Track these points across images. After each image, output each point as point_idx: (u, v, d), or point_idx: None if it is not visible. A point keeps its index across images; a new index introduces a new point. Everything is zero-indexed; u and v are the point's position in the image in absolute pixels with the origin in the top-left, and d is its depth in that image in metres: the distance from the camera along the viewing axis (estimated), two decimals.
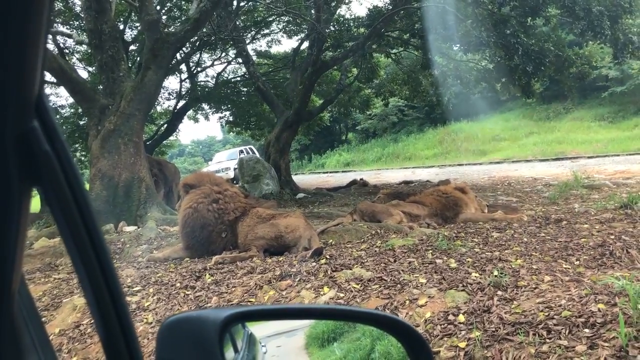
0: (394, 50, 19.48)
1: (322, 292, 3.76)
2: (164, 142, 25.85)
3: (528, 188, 15.07)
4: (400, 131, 45.49)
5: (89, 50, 18.21)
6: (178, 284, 4.89)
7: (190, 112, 25.96)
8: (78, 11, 18.72)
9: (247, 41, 21.25)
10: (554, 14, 13.08)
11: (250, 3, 18.39)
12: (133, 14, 17.84)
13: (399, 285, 3.63)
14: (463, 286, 3.39)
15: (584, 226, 5.58)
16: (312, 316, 1.50)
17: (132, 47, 19.85)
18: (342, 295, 3.64)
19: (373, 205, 7.80)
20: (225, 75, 25.35)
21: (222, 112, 26.13)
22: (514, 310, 2.84)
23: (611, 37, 13.06)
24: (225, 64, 24.90)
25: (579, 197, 11.15)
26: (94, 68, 18.47)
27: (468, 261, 4.09)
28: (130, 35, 20.16)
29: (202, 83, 25.33)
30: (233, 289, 4.46)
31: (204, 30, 14.11)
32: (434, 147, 40.13)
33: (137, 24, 18.97)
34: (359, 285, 3.79)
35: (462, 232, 5.84)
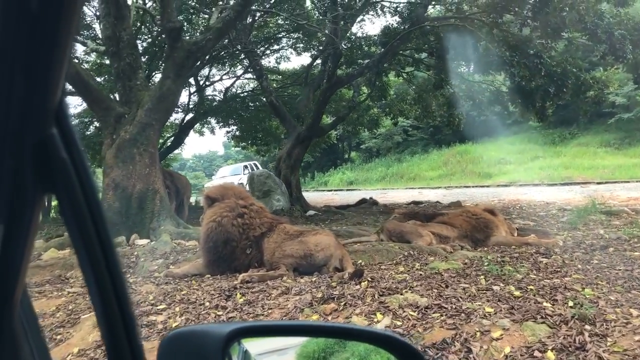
0: (407, 69, 19.30)
1: (375, 319, 3.44)
2: (168, 155, 25.58)
3: (542, 212, 14.72)
4: (404, 151, 45.34)
5: (98, 60, 18.09)
6: (207, 303, 4.56)
7: (196, 125, 25.74)
8: (88, 21, 18.65)
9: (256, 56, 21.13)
10: (575, 36, 12.90)
11: (261, 18, 18.28)
12: (143, 26, 17.78)
13: (462, 314, 3.32)
14: (542, 318, 3.07)
15: (635, 254, 5.28)
16: (315, 333, 1.54)
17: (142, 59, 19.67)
18: (398, 323, 3.33)
19: (401, 225, 7.48)
20: (233, 89, 25.20)
21: (229, 127, 25.87)
22: (613, 349, 2.53)
23: (632, 61, 12.88)
24: (234, 78, 24.76)
25: (598, 223, 10.87)
26: (103, 78, 18.35)
27: (530, 289, 3.77)
28: (140, 46, 20.02)
29: (209, 97, 25.16)
30: (269, 310, 4.13)
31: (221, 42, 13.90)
32: (438, 169, 39.92)
33: (147, 36, 18.88)
34: (416, 312, 3.47)
35: (507, 257, 5.52)
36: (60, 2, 0.54)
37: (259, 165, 37.65)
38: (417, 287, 4.10)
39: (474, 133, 42.11)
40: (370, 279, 4.52)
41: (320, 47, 19.13)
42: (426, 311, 3.48)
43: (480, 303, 3.51)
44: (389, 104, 22.41)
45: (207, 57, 19.21)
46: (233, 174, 32.47)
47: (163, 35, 13.97)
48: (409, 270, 5.01)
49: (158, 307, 4.73)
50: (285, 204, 14.85)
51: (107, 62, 17.48)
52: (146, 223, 9.28)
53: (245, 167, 34.58)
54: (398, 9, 15.30)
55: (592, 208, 12.28)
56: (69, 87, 10.38)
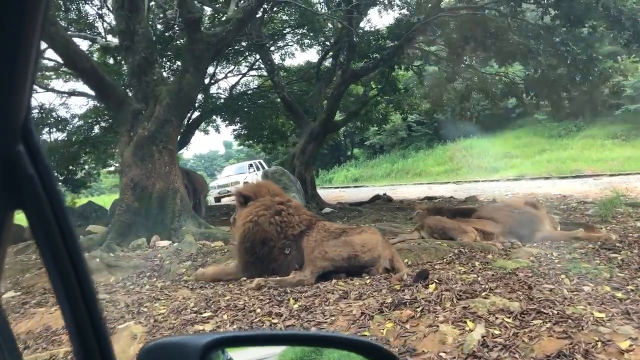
0: (418, 63, 18.89)
1: (466, 328, 3.06)
2: None
3: (562, 205, 14.31)
4: (409, 147, 44.97)
5: (102, 59, 17.64)
6: (258, 310, 4.18)
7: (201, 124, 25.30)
8: (91, 20, 18.22)
9: (256, 54, 20.70)
10: (599, 24, 12.50)
11: (267, 14, 17.82)
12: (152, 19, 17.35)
13: (570, 321, 2.94)
14: None
15: None
16: (295, 342, 1.55)
17: None
18: (496, 332, 2.95)
19: (443, 221, 7.10)
20: (239, 87, 24.76)
21: (236, 125, 25.43)
22: None
23: None
24: (240, 75, 24.32)
25: (627, 216, 10.52)
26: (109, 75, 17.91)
27: (631, 289, 3.39)
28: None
29: (215, 95, 24.71)
30: (332, 318, 3.75)
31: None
32: (444, 164, 39.56)
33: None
34: (511, 319, 3.09)
35: (574, 254, 5.13)
36: (19, 16, 0.53)
37: (264, 164, 37.23)
38: (497, 289, 3.72)
39: (479, 127, 41.87)
40: (437, 281, 4.14)
41: (329, 42, 18.75)
42: (523, 317, 3.10)
43: (582, 307, 3.14)
44: (398, 98, 22.01)
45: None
46: (238, 173, 32.06)
47: (173, 28, 13.60)
48: (472, 270, 4.64)
49: (203, 315, 4.35)
50: (301, 202, 14.45)
51: (111, 61, 17.25)
52: (167, 224, 8.89)
53: (251, 165, 34.17)
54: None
55: (616, 200, 11.86)
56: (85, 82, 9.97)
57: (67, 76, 21.20)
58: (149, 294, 5.64)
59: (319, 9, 19.09)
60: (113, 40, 12.03)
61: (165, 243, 8.70)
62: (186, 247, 7.90)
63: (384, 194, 18.86)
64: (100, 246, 8.52)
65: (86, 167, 22.68)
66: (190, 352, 1.05)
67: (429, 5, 14.71)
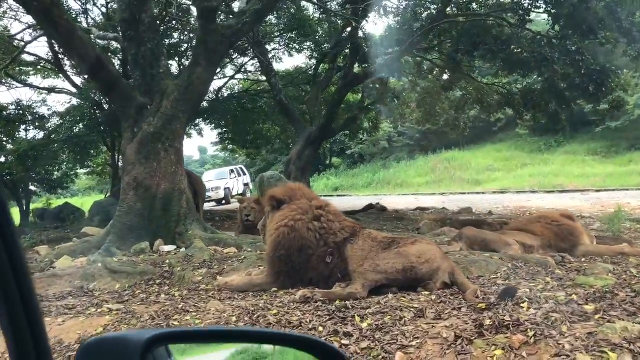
0: (416, 71, 18.59)
1: (608, 359, 2.57)
2: None
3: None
4: (389, 157, 44.82)
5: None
6: (320, 328, 3.62)
7: None
8: (74, 16, 17.45)
9: (252, 56, 20.17)
10: (611, 35, 12.33)
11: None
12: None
13: None
14: None
15: None
16: (239, 339, 1.51)
17: None
18: None
19: (483, 233, 6.63)
20: (225, 90, 24.11)
21: (221, 129, 24.72)
22: None
23: None
24: (226, 78, 23.67)
25: (635, 231, 10.31)
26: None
27: None
28: None
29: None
30: (417, 340, 3.21)
31: None
32: (426, 175, 39.41)
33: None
34: None
35: None
36: None
37: (245, 170, 36.54)
38: (611, 311, 3.25)
39: (461, 139, 41.99)
40: (516, 300, 3.64)
41: (326, 45, 18.30)
42: None
43: None
44: (390, 107, 21.66)
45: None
46: (219, 178, 31.25)
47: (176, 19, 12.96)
48: (550, 288, 4.16)
49: None
50: None
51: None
52: (172, 227, 8.25)
53: (232, 171, 33.45)
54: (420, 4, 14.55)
55: (619, 215, 11.58)
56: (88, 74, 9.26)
57: (47, 72, 20.33)
58: (171, 305, 5.02)
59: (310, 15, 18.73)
60: (108, 33, 11.32)
61: (170, 248, 8.06)
62: (197, 253, 7.27)
63: (377, 203, 18.40)
64: (98, 250, 7.84)
65: (64, 167, 21.72)
66: (131, 348, 1.01)
67: (434, 10, 14.41)
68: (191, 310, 4.68)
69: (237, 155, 45.02)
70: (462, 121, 20.48)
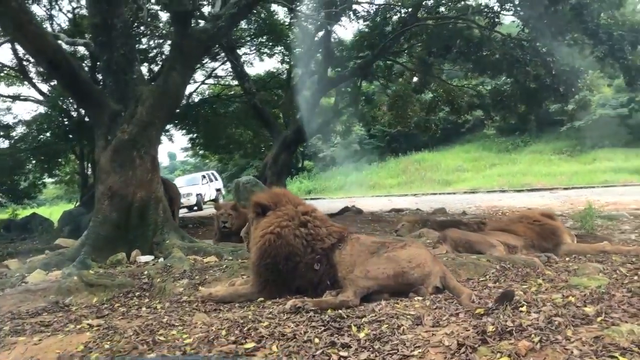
0: (388, 74, 18.67)
1: None
2: None
3: None
4: (361, 160, 44.99)
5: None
6: (317, 340, 3.52)
7: None
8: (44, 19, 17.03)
9: (224, 60, 20.00)
10: (578, 37, 12.60)
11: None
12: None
13: None
14: None
15: None
16: None
17: None
18: None
19: (467, 234, 6.63)
20: (195, 95, 23.82)
21: (193, 134, 24.40)
22: None
23: (631, 62, 12.67)
24: (197, 83, 23.40)
25: (606, 228, 10.50)
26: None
27: None
28: None
29: None
30: (418, 349, 3.14)
31: None
32: (397, 176, 39.70)
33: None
34: None
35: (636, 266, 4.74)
36: None
37: (217, 175, 36.14)
38: (612, 313, 3.23)
39: (430, 141, 42.47)
40: (514, 304, 3.61)
41: (300, 49, 18.22)
42: None
43: None
44: (362, 110, 21.73)
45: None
46: (190, 184, 30.77)
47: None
48: (543, 289, 4.15)
49: (246, 346, 3.64)
50: None
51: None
52: (149, 237, 8.03)
53: (204, 176, 33.04)
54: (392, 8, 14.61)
55: (590, 213, 11.80)
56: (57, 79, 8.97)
57: (11, 79, 19.78)
58: (154, 319, 4.85)
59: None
60: (77, 39, 11.01)
61: (148, 258, 7.84)
62: (176, 262, 7.09)
63: (353, 206, 18.40)
64: (72, 262, 7.59)
65: (30, 176, 21.14)
66: None
67: (405, 14, 14.49)
68: (176, 324, 4.52)
69: (207, 161, 44.59)
70: (433, 123, 20.61)
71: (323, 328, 3.73)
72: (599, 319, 3.15)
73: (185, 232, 8.92)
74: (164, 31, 18.17)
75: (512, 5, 12.89)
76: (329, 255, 5.04)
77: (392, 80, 20.19)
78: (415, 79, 18.68)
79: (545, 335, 2.96)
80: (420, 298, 4.40)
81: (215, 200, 34.07)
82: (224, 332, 4.00)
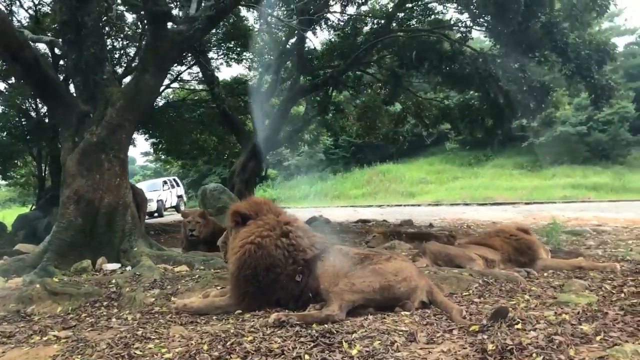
0: (358, 84, 18.68)
1: None
2: None
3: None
4: (326, 169, 44.98)
5: None
6: (307, 357, 3.35)
7: None
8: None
9: (191, 64, 19.64)
10: (549, 55, 12.85)
11: None
12: None
13: None
14: None
15: None
16: None
17: None
18: None
19: (446, 248, 6.57)
20: (159, 99, 23.27)
21: (156, 138, 23.79)
22: None
23: (597, 81, 12.99)
24: (163, 87, 22.86)
25: (571, 243, 10.68)
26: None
27: None
28: None
29: None
30: None
31: None
32: (362, 187, 39.78)
33: None
34: None
35: (628, 285, 4.73)
36: None
37: (179, 181, 35.50)
38: (610, 332, 3.18)
39: (394, 153, 42.81)
40: (508, 321, 3.53)
41: (270, 56, 18.03)
42: None
43: None
44: (331, 119, 21.66)
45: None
46: (151, 190, 30.09)
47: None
48: (532, 306, 4.09)
49: None
50: None
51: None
52: (116, 244, 7.69)
53: (165, 182, 32.43)
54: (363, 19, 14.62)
55: (555, 228, 12.00)
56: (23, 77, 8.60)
57: None
58: (127, 331, 4.59)
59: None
60: (43, 36, 10.57)
61: (114, 266, 7.51)
62: (146, 271, 6.80)
63: (320, 216, 18.26)
64: (34, 269, 7.20)
65: None
66: None
67: (378, 26, 14.52)
68: (152, 337, 4.28)
69: (167, 166, 43.75)
70: (401, 134, 20.72)
71: (312, 344, 3.57)
72: (598, 337, 3.09)
73: (152, 240, 8.60)
74: (129, 32, 17.79)
75: (483, 20, 13.05)
76: (311, 266, 4.89)
77: (360, 92, 20.23)
78: (384, 90, 18.73)
79: (548, 354, 2.88)
80: (407, 313, 4.29)
81: (176, 207, 33.47)
82: (205, 347, 3.81)
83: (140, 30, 15.98)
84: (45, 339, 4.65)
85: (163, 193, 30.93)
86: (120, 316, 5.36)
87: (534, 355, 2.88)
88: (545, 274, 6.07)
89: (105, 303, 6.01)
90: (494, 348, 3.00)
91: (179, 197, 34.01)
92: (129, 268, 7.29)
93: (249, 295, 4.94)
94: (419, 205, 29.93)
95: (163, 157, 29.37)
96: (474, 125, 18.03)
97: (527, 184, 34.57)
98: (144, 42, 11.09)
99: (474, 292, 5.00)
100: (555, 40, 12.28)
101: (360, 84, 19.45)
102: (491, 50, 12.43)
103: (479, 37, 15.44)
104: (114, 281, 6.64)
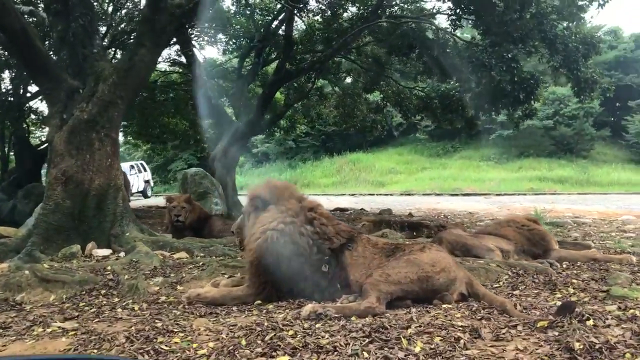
0: (339, 71, 18.38)
1: None
2: None
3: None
4: (295, 157, 44.64)
5: None
6: (365, 354, 3.07)
7: None
8: None
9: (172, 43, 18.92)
10: (538, 45, 12.79)
11: None
12: None
13: None
14: None
15: None
16: None
17: None
18: None
19: (463, 237, 6.36)
20: None
21: (126, 121, 22.93)
22: None
23: (582, 73, 13.04)
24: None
25: (556, 234, 10.71)
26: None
27: None
28: None
29: None
30: None
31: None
32: (332, 176, 39.68)
33: None
34: None
35: None
36: None
37: (145, 166, 34.61)
38: None
39: (364, 142, 42.80)
40: (577, 316, 3.33)
41: (242, 39, 17.49)
42: None
43: None
44: (307, 106, 21.29)
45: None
46: None
47: None
48: (590, 300, 3.91)
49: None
50: (223, 208, 13.11)
51: None
52: (106, 228, 7.22)
53: (132, 167, 31.56)
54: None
55: (540, 219, 12.04)
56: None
57: None
58: (141, 322, 4.21)
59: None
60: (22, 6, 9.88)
61: (105, 252, 7.05)
62: (143, 258, 6.38)
63: None
64: (17, 254, 6.68)
65: None
66: None
67: (366, 10, 14.22)
68: (174, 329, 3.92)
69: (131, 151, 42.60)
70: (379, 123, 20.55)
71: (367, 340, 3.28)
72: None
73: (143, 225, 8.15)
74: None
75: (472, 9, 12.90)
76: (338, 256, 4.60)
77: (340, 78, 19.92)
78: (364, 78, 18.48)
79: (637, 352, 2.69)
80: (450, 305, 4.06)
81: (143, 193, 32.60)
82: (243, 342, 3.47)
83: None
84: (49, 330, 4.23)
85: (130, 177, 30.04)
86: (125, 306, 4.96)
87: (627, 355, 2.68)
88: (564, 265, 5.94)
89: (103, 291, 5.58)
90: (581, 347, 2.78)
91: (146, 182, 33.19)
92: (122, 254, 6.85)
93: (270, 285, 4.63)
94: (391, 195, 29.98)
95: (132, 140, 28.48)
96: (454, 116, 17.97)
97: (494, 175, 35.09)
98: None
99: (505, 283, 4.82)
100: (544, 31, 12.22)
101: (339, 71, 19.17)
102: (483, 40, 12.27)
103: (469, 27, 15.30)
104: (109, 268, 6.21)
